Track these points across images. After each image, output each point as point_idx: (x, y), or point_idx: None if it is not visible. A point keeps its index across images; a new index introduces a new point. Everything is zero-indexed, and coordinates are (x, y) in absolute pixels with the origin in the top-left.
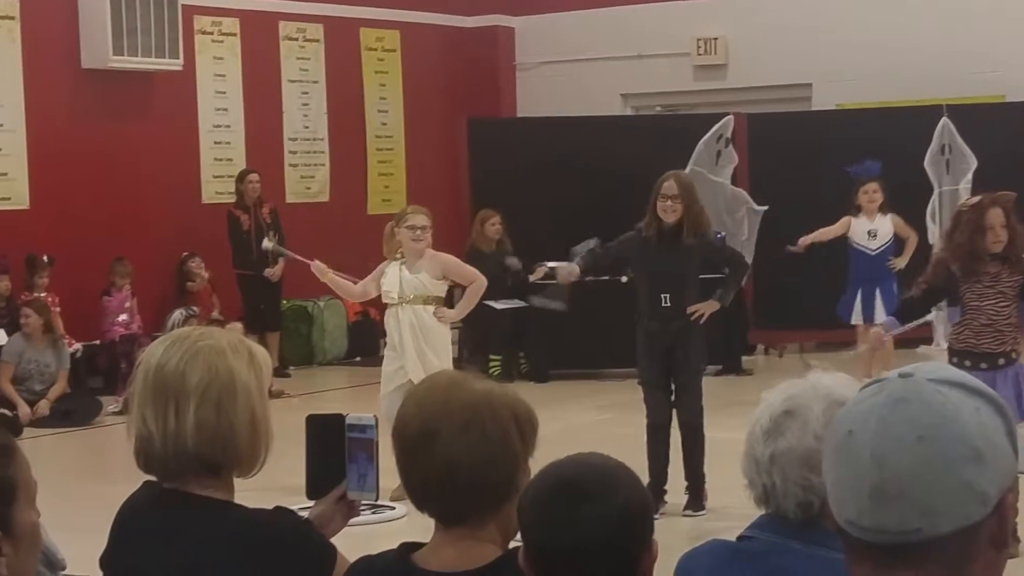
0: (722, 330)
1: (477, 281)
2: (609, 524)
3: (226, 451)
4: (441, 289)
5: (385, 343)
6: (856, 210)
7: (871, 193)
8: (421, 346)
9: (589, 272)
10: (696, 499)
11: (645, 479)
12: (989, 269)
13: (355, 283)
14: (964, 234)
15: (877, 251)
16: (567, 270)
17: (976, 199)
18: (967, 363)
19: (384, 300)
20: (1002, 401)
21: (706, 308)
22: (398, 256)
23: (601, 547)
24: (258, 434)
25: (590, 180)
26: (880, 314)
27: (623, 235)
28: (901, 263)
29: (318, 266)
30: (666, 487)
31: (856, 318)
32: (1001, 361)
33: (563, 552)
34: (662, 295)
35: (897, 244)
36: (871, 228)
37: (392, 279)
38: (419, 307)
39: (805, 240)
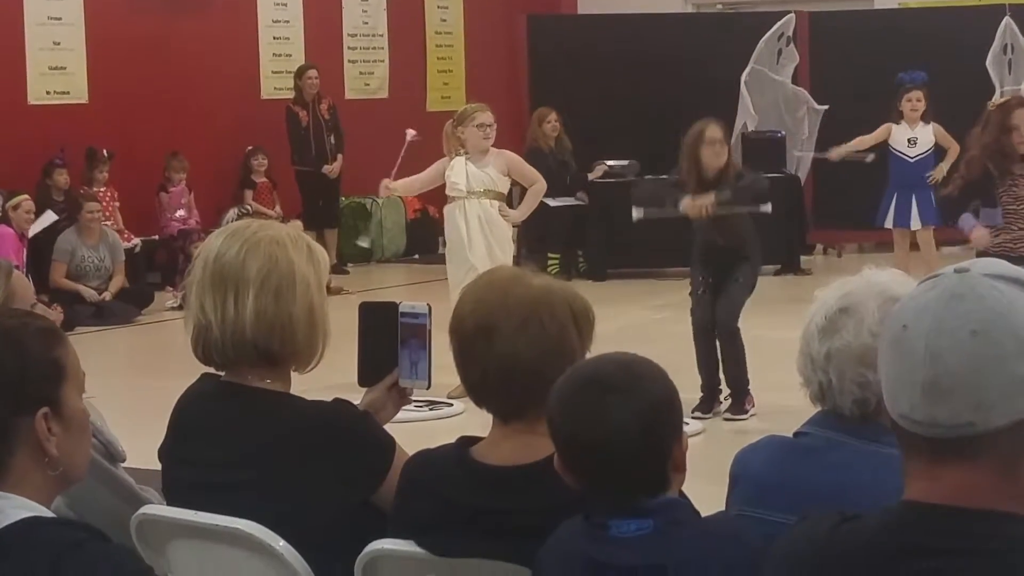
0: (781, 230)
1: (538, 183)
2: (636, 414)
3: (284, 341)
4: (505, 185)
5: (443, 241)
6: (898, 116)
7: (914, 101)
8: (489, 238)
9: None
10: (737, 403)
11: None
12: (1019, 171)
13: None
14: (991, 134)
15: (916, 158)
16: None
17: (1004, 99)
18: None
19: (449, 193)
20: None
21: (704, 201)
22: (461, 152)
23: (630, 438)
24: (316, 327)
25: (650, 78)
26: (915, 220)
27: (663, 179)
28: (940, 174)
29: (385, 187)
30: (720, 388)
31: (888, 222)
32: None
33: (594, 445)
34: (716, 239)
35: (937, 154)
36: (911, 136)
37: (459, 172)
38: (486, 201)
39: (840, 150)
